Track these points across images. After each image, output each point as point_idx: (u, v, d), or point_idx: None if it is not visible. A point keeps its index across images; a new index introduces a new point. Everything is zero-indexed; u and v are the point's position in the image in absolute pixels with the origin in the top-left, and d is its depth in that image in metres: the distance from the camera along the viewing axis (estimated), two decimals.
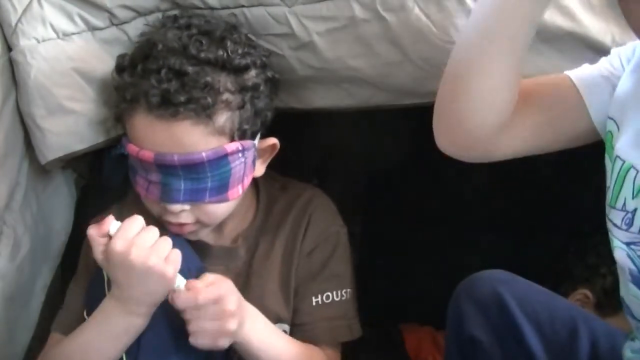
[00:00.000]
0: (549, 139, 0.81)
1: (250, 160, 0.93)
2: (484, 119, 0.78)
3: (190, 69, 0.85)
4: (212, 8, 0.91)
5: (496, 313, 0.89)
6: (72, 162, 1.05)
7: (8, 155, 0.93)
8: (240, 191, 0.94)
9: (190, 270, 0.93)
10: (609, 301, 1.14)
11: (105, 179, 1.29)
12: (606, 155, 0.78)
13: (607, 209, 0.76)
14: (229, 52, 0.87)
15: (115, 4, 0.91)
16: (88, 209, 1.17)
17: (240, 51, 0.88)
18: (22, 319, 1.01)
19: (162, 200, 0.91)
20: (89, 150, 0.99)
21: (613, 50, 0.81)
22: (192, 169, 0.88)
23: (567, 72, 0.81)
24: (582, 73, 0.81)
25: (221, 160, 0.89)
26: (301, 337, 1.00)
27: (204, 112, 0.85)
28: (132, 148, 0.90)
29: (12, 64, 0.92)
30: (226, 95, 0.87)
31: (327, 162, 1.05)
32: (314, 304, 1.00)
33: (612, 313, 1.13)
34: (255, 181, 1.04)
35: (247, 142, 0.91)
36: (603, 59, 0.81)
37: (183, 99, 0.84)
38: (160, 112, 0.85)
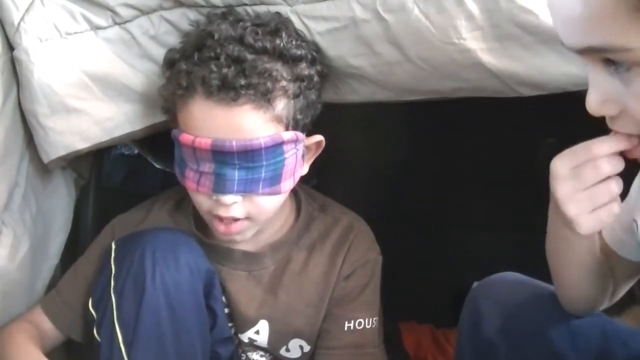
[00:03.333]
0: (634, 278, 0.87)
1: (300, 154, 0.93)
2: (585, 303, 0.87)
3: (248, 56, 0.85)
4: (214, 6, 0.91)
5: (518, 319, 0.89)
6: (72, 162, 1.05)
7: (7, 154, 0.93)
8: (292, 185, 0.94)
9: (200, 272, 0.94)
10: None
11: (105, 179, 1.30)
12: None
13: None
14: (285, 42, 0.87)
15: (118, 3, 0.91)
16: (88, 209, 1.18)
17: (294, 42, 0.88)
18: None
19: (215, 191, 0.89)
20: (92, 149, 0.98)
21: None
22: (249, 156, 0.87)
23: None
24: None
25: (277, 148, 0.88)
26: None
27: (263, 97, 0.85)
28: (186, 137, 0.88)
29: (13, 63, 0.92)
30: (283, 83, 0.87)
31: (327, 162, 1.05)
32: (345, 328, 1.00)
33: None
34: (296, 197, 1.05)
35: (300, 134, 0.91)
36: None
37: (243, 82, 0.84)
38: (221, 97, 0.84)
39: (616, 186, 0.67)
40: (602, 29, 0.56)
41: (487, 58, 0.87)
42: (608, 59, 0.59)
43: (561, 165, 0.68)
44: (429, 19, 0.86)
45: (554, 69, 0.86)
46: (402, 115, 1.33)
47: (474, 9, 0.85)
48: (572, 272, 0.83)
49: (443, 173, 1.42)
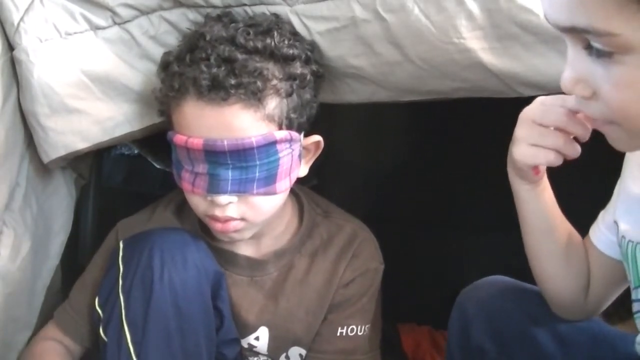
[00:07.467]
0: (617, 281, 0.87)
1: (296, 154, 0.93)
2: (563, 292, 0.88)
3: (239, 56, 0.86)
4: (214, 6, 0.92)
5: (505, 322, 0.89)
6: (72, 162, 1.05)
7: (8, 155, 0.93)
8: (288, 185, 0.94)
9: (208, 272, 0.94)
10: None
11: (105, 179, 1.30)
12: (620, 250, 0.80)
13: (635, 292, 0.77)
14: (276, 41, 0.88)
15: (118, 3, 0.92)
16: (88, 209, 1.18)
17: (286, 42, 0.89)
18: (22, 319, 1.01)
19: (209, 192, 0.90)
20: (92, 149, 0.98)
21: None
22: (241, 155, 0.87)
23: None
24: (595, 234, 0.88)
25: (270, 147, 0.88)
26: None
27: (254, 97, 0.86)
28: (179, 138, 0.89)
29: (13, 63, 0.92)
30: (275, 82, 0.88)
31: (327, 162, 1.05)
32: (337, 334, 1.01)
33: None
34: (299, 202, 1.05)
35: (295, 134, 0.91)
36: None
37: (233, 82, 0.85)
38: (211, 96, 0.85)
39: (564, 143, 0.75)
40: (588, 11, 0.56)
41: (488, 58, 0.87)
42: (590, 45, 0.59)
43: (543, 97, 0.77)
44: (429, 19, 0.86)
45: (555, 69, 0.85)
46: (402, 115, 1.33)
47: (474, 8, 0.85)
48: (534, 239, 0.86)
49: (443, 174, 1.42)
